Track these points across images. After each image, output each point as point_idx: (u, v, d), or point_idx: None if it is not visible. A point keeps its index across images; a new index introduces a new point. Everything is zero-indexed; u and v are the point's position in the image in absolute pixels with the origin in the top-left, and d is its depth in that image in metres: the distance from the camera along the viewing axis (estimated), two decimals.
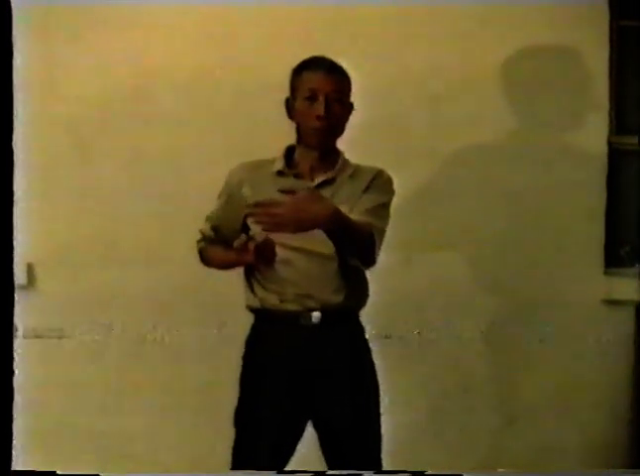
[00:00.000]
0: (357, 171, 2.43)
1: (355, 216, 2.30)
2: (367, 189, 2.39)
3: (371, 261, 2.35)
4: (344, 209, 2.28)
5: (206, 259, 2.55)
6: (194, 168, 3.19)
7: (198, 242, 2.56)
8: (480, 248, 3.28)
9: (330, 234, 2.24)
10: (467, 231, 3.27)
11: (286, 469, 2.39)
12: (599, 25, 3.27)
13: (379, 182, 2.42)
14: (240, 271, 2.45)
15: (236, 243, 2.46)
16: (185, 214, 2.95)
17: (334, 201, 2.31)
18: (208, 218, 2.52)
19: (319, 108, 2.33)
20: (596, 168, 3.31)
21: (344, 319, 2.39)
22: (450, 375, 3.27)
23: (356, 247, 2.31)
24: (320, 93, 2.33)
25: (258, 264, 2.34)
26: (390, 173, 2.45)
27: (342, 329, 2.38)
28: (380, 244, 2.36)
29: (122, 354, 3.24)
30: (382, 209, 2.40)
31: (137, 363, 3.23)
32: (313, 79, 2.35)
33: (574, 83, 3.28)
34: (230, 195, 2.46)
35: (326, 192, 2.34)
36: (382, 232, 2.38)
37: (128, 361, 3.23)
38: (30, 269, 3.20)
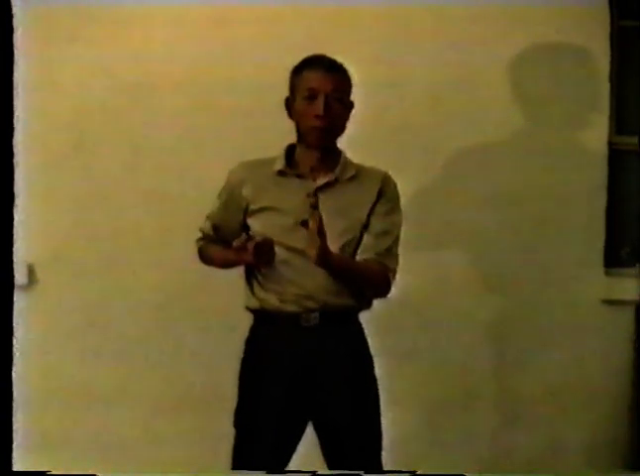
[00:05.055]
0: (359, 173, 2.41)
1: (368, 255, 2.35)
2: (373, 209, 2.37)
3: (383, 296, 2.44)
4: (344, 219, 2.32)
5: (205, 257, 2.55)
6: (194, 167, 3.19)
7: (198, 241, 2.56)
8: (480, 248, 3.28)
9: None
10: (467, 231, 3.27)
11: (286, 469, 2.39)
12: (600, 25, 3.27)
13: (388, 197, 2.40)
14: (240, 271, 2.45)
15: (235, 242, 2.45)
16: (185, 214, 2.95)
17: (335, 207, 2.31)
18: (208, 217, 2.52)
19: (318, 107, 2.31)
20: (597, 168, 3.31)
21: (344, 320, 2.39)
22: (450, 375, 3.27)
23: (366, 289, 2.40)
24: (319, 92, 2.32)
25: (257, 263, 2.34)
26: (391, 172, 2.44)
27: (342, 330, 2.38)
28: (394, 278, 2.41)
29: (122, 354, 3.23)
30: (396, 243, 2.42)
31: (136, 363, 3.23)
32: (312, 78, 2.34)
33: (574, 83, 3.28)
34: (230, 195, 2.45)
35: (328, 195, 2.34)
36: (396, 270, 2.42)
37: (128, 361, 3.23)
38: (30, 269, 3.20)
